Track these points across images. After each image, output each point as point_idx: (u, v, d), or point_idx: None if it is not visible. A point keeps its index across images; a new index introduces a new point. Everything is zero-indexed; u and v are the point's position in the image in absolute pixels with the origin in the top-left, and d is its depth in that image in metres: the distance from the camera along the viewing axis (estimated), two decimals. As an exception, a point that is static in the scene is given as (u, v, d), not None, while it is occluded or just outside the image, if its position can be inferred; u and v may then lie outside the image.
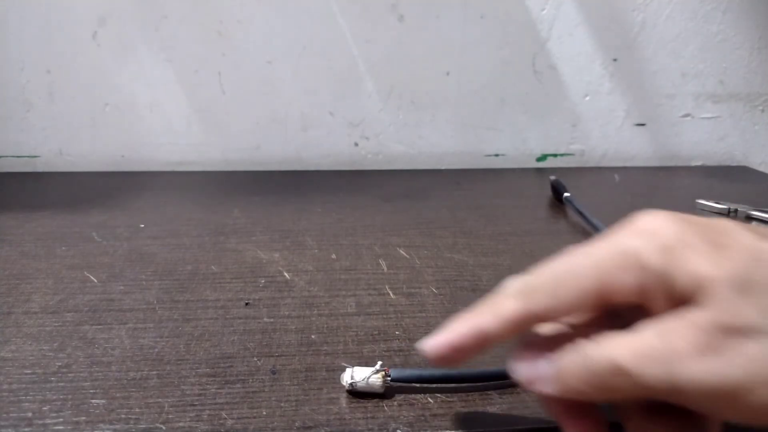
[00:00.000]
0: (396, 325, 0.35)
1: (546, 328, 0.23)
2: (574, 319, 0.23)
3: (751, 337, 0.18)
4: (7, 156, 0.70)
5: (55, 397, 0.28)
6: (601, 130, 0.76)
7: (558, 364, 0.21)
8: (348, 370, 0.28)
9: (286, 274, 0.42)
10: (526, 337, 0.23)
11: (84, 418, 0.26)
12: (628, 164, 0.77)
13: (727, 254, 0.19)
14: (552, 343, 0.22)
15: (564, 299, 0.21)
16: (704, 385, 0.18)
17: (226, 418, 0.26)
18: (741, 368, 0.18)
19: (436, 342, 0.23)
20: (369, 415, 0.27)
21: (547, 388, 0.21)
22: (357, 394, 0.28)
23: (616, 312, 0.22)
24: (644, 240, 0.21)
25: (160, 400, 0.28)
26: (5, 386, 0.29)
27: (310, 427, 0.26)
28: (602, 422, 0.22)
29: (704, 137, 0.77)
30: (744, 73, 0.75)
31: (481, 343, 0.22)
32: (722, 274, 0.19)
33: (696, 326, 0.19)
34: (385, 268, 0.43)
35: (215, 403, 0.27)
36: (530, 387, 0.22)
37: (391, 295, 0.39)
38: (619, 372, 0.19)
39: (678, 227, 0.21)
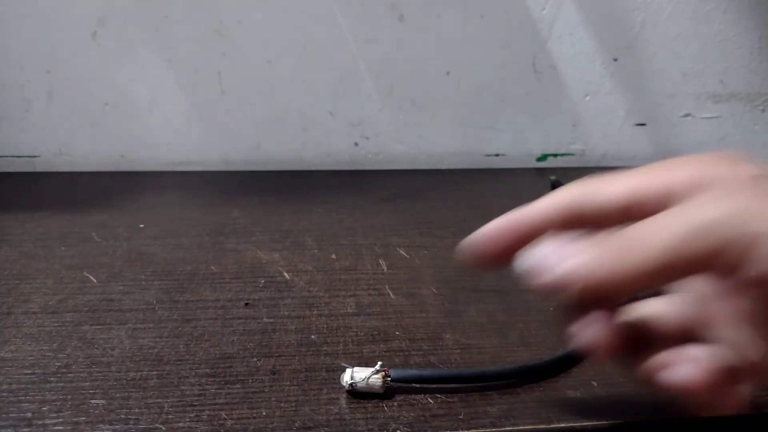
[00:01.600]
0: (396, 325, 0.35)
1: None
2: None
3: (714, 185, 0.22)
4: (6, 156, 0.70)
5: (54, 398, 0.28)
6: (602, 130, 0.76)
7: (595, 247, 0.23)
8: (348, 371, 0.28)
9: (285, 274, 0.42)
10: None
11: (84, 418, 0.26)
12: (628, 164, 0.76)
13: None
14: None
15: (600, 197, 0.25)
16: (687, 228, 0.20)
17: (225, 419, 0.26)
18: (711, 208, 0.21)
19: (479, 233, 0.27)
20: (369, 416, 0.27)
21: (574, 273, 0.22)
22: (357, 394, 0.28)
23: None
24: (668, 169, 0.25)
25: (159, 400, 0.28)
26: (5, 386, 0.28)
27: (309, 428, 0.26)
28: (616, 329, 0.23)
29: (705, 137, 0.77)
30: (744, 73, 0.75)
31: (523, 227, 0.26)
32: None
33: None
34: (385, 268, 0.43)
35: (215, 404, 0.27)
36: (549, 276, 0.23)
37: (391, 295, 0.39)
38: (636, 247, 0.22)
39: (692, 158, 0.24)
